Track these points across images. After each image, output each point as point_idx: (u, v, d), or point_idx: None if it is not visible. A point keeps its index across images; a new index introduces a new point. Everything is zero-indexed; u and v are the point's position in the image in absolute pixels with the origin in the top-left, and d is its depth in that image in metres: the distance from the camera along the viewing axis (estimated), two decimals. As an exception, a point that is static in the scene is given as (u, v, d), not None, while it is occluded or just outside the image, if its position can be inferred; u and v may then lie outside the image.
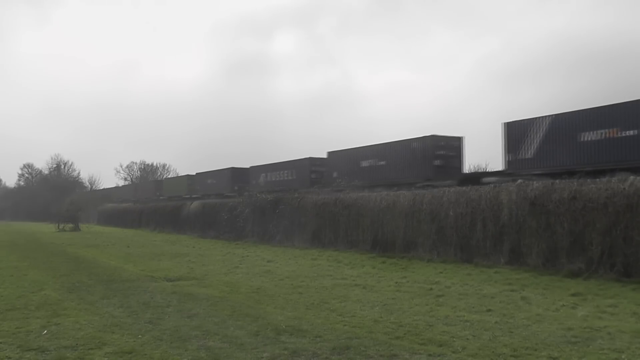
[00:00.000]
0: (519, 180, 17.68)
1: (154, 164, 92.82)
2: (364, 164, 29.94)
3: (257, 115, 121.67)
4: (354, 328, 8.56)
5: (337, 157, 32.34)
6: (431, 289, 12.67)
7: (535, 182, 16.75)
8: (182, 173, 70.58)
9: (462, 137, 27.42)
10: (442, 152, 26.45)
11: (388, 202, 21.77)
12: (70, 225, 47.67)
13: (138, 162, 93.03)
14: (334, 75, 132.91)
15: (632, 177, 14.20)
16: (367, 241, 22.32)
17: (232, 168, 43.95)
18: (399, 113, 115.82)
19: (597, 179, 15.29)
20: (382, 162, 28.83)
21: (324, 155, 34.51)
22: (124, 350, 7.15)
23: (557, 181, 16.32)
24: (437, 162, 26.25)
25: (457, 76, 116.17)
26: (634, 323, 8.84)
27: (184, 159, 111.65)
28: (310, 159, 35.07)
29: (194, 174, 51.59)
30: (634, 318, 9.25)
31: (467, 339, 7.85)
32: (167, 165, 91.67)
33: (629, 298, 11.08)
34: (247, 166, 42.94)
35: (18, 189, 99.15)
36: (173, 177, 61.16)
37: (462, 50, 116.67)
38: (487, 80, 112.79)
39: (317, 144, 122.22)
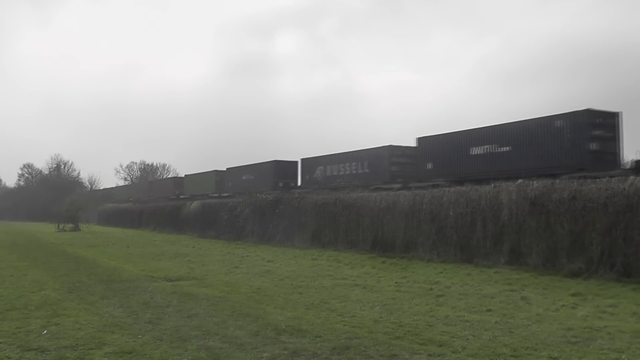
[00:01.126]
0: (519, 180, 17.67)
1: (154, 164, 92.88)
2: (476, 151, 23.37)
3: (259, 116, 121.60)
4: (354, 328, 8.56)
5: (433, 144, 25.87)
6: (431, 289, 12.67)
7: (535, 182, 16.75)
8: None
9: (619, 113, 20.47)
10: (598, 132, 19.91)
11: (388, 202, 21.77)
12: (70, 225, 47.68)
13: (138, 162, 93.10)
14: (336, 76, 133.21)
15: (632, 177, 14.21)
16: (367, 241, 22.33)
17: (276, 161, 37.41)
18: (401, 113, 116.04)
19: (597, 179, 15.29)
20: (506, 148, 22.32)
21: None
22: (124, 350, 7.15)
23: (557, 181, 16.33)
24: (593, 146, 19.77)
25: (458, 76, 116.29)
26: (634, 323, 8.85)
27: (185, 160, 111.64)
28: (391, 147, 28.48)
29: (224, 169, 44.56)
30: (634, 318, 9.25)
31: (467, 339, 7.85)
32: (167, 166, 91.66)
33: (629, 298, 11.09)
34: (294, 159, 37.55)
35: (18, 189, 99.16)
36: (197, 174, 50.60)
37: (463, 51, 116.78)
38: (487, 80, 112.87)
39: (319, 145, 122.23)
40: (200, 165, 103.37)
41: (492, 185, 18.43)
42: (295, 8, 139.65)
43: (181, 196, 50.37)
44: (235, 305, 10.51)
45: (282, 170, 36.94)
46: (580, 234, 14.59)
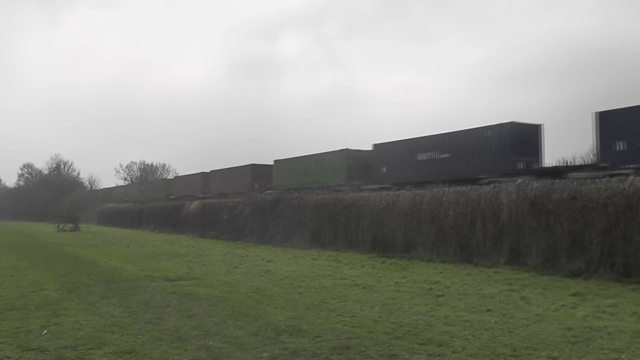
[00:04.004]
0: (519, 180, 17.68)
1: (154, 164, 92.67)
2: None
3: (263, 117, 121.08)
4: (353, 328, 8.56)
5: None
6: (431, 289, 12.67)
7: (535, 182, 16.76)
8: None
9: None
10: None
11: (388, 202, 21.77)
12: (70, 225, 47.68)
13: (138, 162, 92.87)
14: (340, 77, 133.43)
15: (631, 177, 14.22)
16: (367, 241, 22.33)
17: (513, 123, 22.03)
18: (403, 112, 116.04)
19: (597, 179, 15.29)
20: None
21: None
22: (123, 350, 7.15)
23: (557, 181, 16.33)
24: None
25: (460, 77, 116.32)
26: (633, 323, 8.85)
27: (186, 160, 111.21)
28: None
29: (370, 148, 29.21)
30: (634, 318, 9.25)
31: (467, 339, 7.85)
32: (167, 166, 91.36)
33: (629, 298, 11.09)
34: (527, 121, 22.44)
35: (18, 189, 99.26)
36: (304, 156, 34.07)
37: (464, 52, 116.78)
38: (488, 80, 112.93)
39: (322, 145, 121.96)
40: (202, 164, 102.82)
41: (492, 185, 18.45)
42: (300, 10, 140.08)
43: (268, 191, 34.39)
44: (235, 305, 10.51)
45: (521, 139, 21.86)
46: (580, 234, 14.59)
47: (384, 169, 27.57)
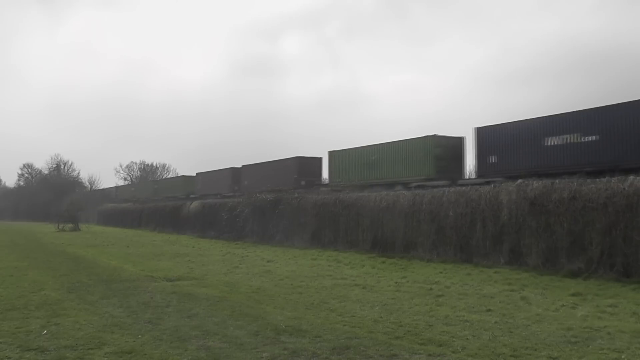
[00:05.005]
0: (519, 180, 17.67)
1: (154, 164, 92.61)
2: None
3: (264, 118, 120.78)
4: (353, 328, 8.56)
5: None
6: (431, 289, 12.68)
7: (535, 182, 16.75)
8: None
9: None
10: None
11: (388, 202, 21.77)
12: (70, 225, 47.68)
13: (138, 162, 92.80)
14: (341, 78, 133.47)
15: (631, 177, 14.21)
16: (366, 241, 22.34)
17: None
18: (405, 112, 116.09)
19: (597, 179, 15.28)
20: None
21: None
22: (123, 350, 7.15)
23: (557, 181, 16.32)
24: None
25: (460, 77, 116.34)
26: (633, 323, 8.85)
27: (185, 160, 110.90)
28: None
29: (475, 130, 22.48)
30: (634, 318, 9.25)
31: (467, 339, 7.85)
32: (167, 165, 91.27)
33: (629, 298, 11.09)
34: None
35: (18, 189, 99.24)
36: (371, 146, 28.27)
37: (465, 52, 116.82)
38: (487, 81, 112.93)
39: (324, 145, 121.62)
40: (202, 165, 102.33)
41: (492, 185, 18.44)
42: (302, 11, 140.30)
43: (322, 189, 29.74)
44: (235, 305, 10.51)
45: None
46: (580, 234, 14.59)
47: (492, 159, 21.68)
